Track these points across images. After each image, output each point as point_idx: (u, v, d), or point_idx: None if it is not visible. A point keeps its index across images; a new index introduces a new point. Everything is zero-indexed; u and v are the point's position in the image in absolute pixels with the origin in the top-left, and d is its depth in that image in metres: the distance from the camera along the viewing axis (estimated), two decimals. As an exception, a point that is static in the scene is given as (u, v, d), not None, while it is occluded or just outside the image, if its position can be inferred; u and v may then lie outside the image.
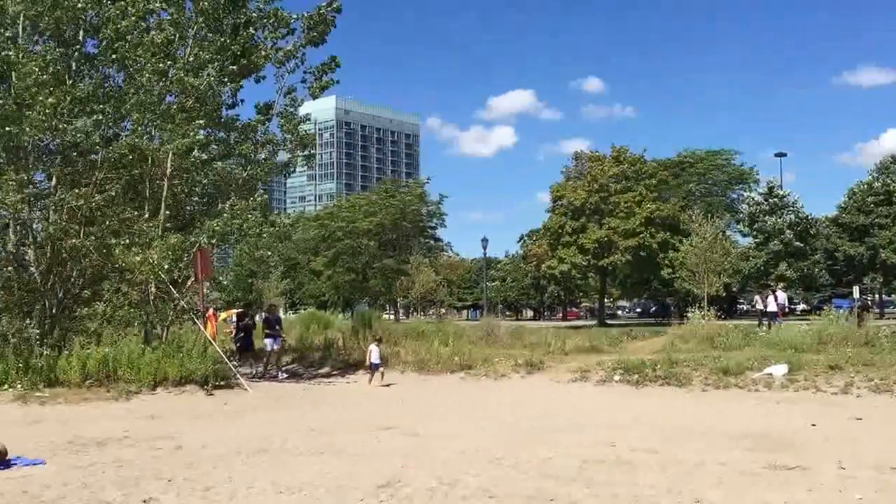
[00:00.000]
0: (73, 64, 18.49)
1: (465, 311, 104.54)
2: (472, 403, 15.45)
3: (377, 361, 18.74)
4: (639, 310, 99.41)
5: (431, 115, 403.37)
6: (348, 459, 9.25)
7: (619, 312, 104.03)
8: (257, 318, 23.98)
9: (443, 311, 65.83)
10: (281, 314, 25.77)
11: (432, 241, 77.55)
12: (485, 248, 54.88)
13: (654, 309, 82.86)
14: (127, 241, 17.40)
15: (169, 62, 18.49)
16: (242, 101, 21.17)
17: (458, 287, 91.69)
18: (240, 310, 24.20)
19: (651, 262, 56.86)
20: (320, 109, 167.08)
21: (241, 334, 21.85)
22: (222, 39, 19.22)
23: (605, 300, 75.12)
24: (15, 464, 8.95)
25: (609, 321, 66.85)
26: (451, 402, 15.82)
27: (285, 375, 20.31)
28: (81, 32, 18.55)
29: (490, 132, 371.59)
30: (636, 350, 23.25)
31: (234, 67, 19.53)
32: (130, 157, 18.36)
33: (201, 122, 18.68)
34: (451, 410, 14.44)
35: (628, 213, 56.42)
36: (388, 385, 18.37)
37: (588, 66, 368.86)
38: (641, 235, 55.55)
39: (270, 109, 20.82)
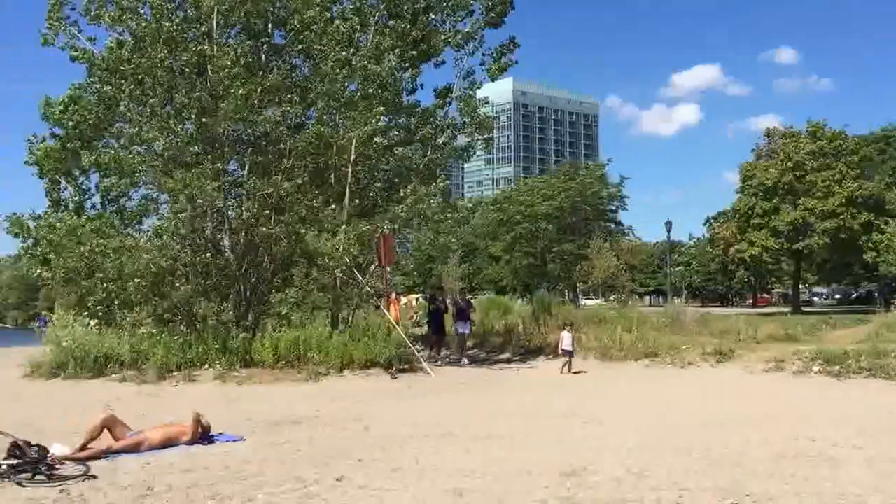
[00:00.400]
0: (263, 56, 19.23)
1: (647, 297, 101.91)
2: (659, 392, 14.90)
3: (569, 348, 18.30)
4: (838, 296, 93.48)
5: (611, 94, 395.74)
6: (532, 445, 9.07)
7: (816, 299, 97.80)
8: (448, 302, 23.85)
9: (624, 296, 64.32)
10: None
11: (613, 225, 75.99)
12: (668, 231, 52.75)
13: (855, 295, 77.47)
14: (316, 228, 17.90)
15: (352, 50, 18.85)
16: (422, 85, 21.50)
17: (640, 272, 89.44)
18: (430, 294, 24.23)
19: (852, 245, 52.98)
20: (497, 92, 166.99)
21: (430, 319, 21.83)
22: (403, 25, 19.42)
23: (800, 286, 70.74)
24: (217, 440, 9.39)
25: (805, 308, 62.91)
26: (636, 390, 15.34)
27: (467, 361, 20.29)
28: (270, 25, 19.25)
29: (673, 110, 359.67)
30: (836, 339, 21.69)
31: (415, 53, 19.74)
32: (316, 145, 18.86)
33: (382, 108, 18.93)
34: (637, 399, 13.97)
35: (826, 193, 52.74)
36: (576, 372, 17.93)
37: (779, 36, 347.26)
38: (841, 216, 51.83)
39: (449, 93, 20.92)
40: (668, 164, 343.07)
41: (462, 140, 21.70)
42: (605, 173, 73.32)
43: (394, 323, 18.41)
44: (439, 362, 19.71)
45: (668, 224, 51.59)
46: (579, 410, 12.00)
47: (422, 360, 18.09)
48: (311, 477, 7.46)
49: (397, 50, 19.12)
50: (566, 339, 18.36)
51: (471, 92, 20.62)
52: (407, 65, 20.00)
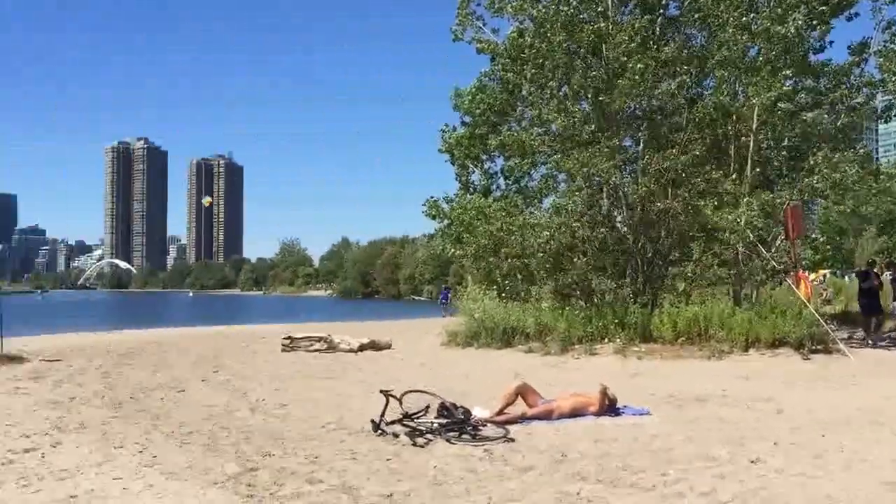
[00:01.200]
0: (657, 29, 18.93)
1: None
2: None
3: None
4: None
5: None
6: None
7: None
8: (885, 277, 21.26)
9: None
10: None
11: None
12: None
13: None
14: (715, 201, 17.29)
15: (752, 14, 17.80)
16: (831, 42, 19.53)
17: None
18: (863, 270, 21.82)
19: None
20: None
21: (862, 297, 19.77)
22: (810, -20, 17.87)
23: None
24: (623, 412, 9.54)
25: None
26: None
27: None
28: (665, -4, 18.93)
29: None
30: None
31: (824, 8, 18.05)
32: (714, 115, 18.17)
33: (788, 72, 17.66)
34: None
35: None
36: None
37: None
38: None
39: (866, 48, 18.85)
40: None
41: (881, 99, 19.48)
42: None
43: (805, 300, 17.11)
44: (867, 345, 17.75)
45: None
46: None
47: (838, 340, 16.58)
48: (724, 456, 7.25)
49: (803, 7, 17.65)
50: None
51: (893, 45, 18.37)
52: (815, 22, 18.32)
